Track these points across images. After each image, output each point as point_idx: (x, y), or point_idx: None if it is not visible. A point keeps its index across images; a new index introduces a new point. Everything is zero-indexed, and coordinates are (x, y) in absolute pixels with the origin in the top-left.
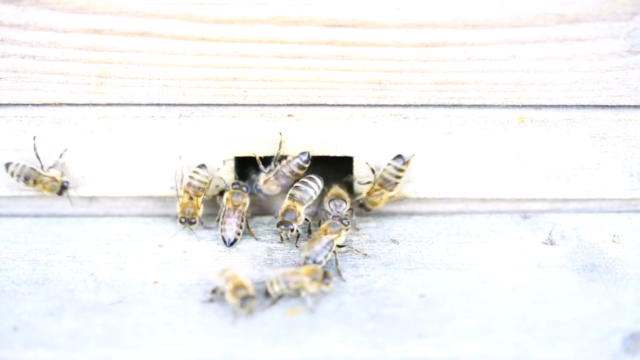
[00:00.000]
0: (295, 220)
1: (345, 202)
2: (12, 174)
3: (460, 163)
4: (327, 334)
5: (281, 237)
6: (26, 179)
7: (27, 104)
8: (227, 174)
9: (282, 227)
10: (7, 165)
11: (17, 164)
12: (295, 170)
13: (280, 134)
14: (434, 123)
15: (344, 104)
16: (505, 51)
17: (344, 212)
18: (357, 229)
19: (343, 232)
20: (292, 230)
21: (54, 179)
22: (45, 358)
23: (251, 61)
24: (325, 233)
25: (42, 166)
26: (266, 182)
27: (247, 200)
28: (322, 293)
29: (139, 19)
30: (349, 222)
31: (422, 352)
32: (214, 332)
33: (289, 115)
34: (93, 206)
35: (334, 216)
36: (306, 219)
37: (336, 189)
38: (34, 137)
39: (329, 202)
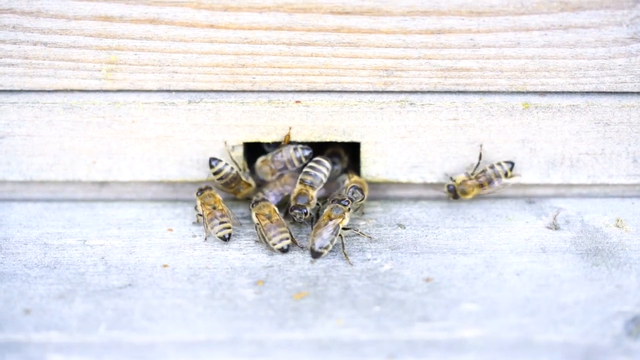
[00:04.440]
0: (309, 203)
1: (363, 193)
2: (217, 173)
3: (466, 149)
4: (334, 317)
5: (294, 220)
6: (228, 184)
7: (39, 90)
8: (236, 159)
9: (296, 211)
10: (212, 161)
11: (227, 164)
12: None
13: None
14: (439, 109)
15: (351, 91)
16: (510, 38)
17: (353, 196)
18: (364, 213)
19: (347, 214)
20: (305, 213)
21: (249, 185)
22: (56, 340)
23: (259, 48)
24: (330, 218)
25: (242, 173)
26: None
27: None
28: None
29: (149, 6)
30: (348, 202)
31: (427, 335)
32: (222, 316)
33: (296, 102)
34: (104, 191)
35: (333, 200)
36: (317, 203)
37: (359, 178)
38: (232, 147)
39: (349, 188)
